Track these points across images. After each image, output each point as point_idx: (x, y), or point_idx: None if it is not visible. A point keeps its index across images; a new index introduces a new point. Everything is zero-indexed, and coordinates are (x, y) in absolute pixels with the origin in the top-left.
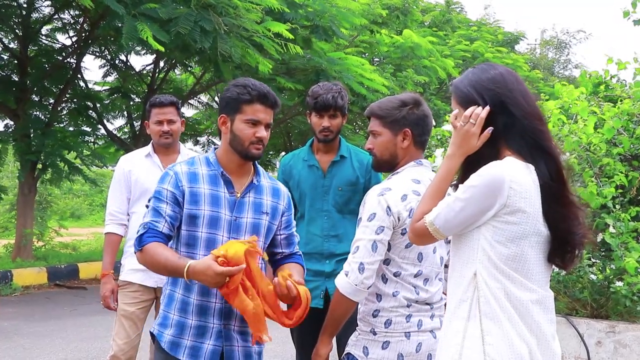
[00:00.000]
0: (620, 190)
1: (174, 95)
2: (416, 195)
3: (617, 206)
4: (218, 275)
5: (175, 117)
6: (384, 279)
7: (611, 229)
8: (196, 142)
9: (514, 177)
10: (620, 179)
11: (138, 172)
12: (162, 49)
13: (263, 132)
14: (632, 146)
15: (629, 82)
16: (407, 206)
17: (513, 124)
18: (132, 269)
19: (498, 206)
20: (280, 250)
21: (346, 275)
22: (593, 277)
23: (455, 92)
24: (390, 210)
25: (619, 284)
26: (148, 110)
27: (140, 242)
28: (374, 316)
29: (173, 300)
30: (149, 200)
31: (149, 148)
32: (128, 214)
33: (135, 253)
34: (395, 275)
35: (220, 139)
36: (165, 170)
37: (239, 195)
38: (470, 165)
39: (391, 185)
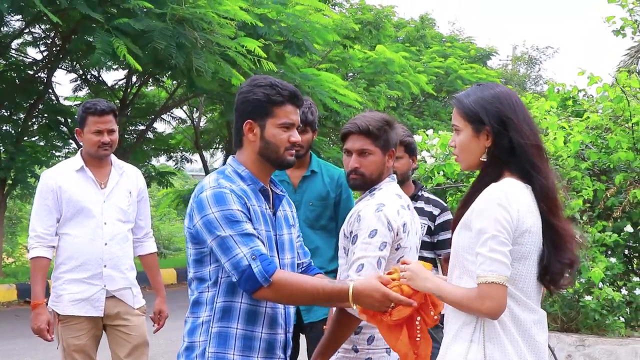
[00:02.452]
0: (588, 205)
1: (146, 109)
2: (404, 210)
3: (585, 219)
4: (387, 299)
5: (115, 126)
6: None
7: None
8: (169, 157)
9: (518, 197)
10: (587, 193)
11: (70, 189)
12: (139, 67)
13: (297, 136)
14: (599, 160)
15: (596, 96)
16: (401, 221)
17: (514, 145)
18: (73, 301)
19: (514, 224)
20: (300, 261)
21: None
22: (563, 291)
23: (460, 107)
24: (391, 225)
25: (588, 297)
26: (82, 116)
27: (266, 273)
28: (357, 333)
29: (229, 338)
30: (214, 232)
31: (79, 161)
32: (57, 235)
33: (256, 292)
34: None
35: (238, 148)
36: (215, 190)
37: (273, 210)
38: (478, 184)
39: (383, 200)
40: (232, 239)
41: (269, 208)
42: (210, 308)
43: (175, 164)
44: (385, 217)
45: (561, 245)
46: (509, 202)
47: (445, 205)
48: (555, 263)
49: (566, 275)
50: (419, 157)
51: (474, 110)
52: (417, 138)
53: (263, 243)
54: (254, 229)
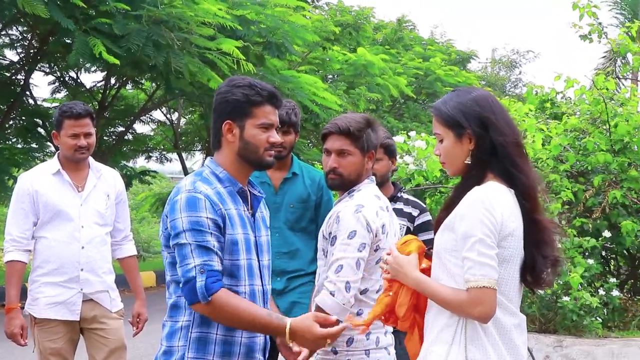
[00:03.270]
0: (567, 207)
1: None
2: (382, 211)
3: (564, 222)
4: (320, 339)
5: (92, 130)
6: None
7: (557, 245)
8: (148, 158)
9: (501, 201)
10: (566, 195)
11: (47, 193)
12: (117, 62)
13: (277, 136)
14: (577, 162)
15: (574, 99)
16: (380, 222)
17: (496, 147)
18: (49, 304)
19: (498, 227)
20: None
21: (332, 295)
22: (541, 292)
23: (439, 114)
24: (370, 227)
25: (566, 298)
26: (59, 120)
27: (206, 291)
28: None
29: (209, 343)
30: (177, 237)
31: (55, 164)
32: (34, 238)
33: (193, 305)
34: (362, 292)
35: (216, 149)
36: (189, 194)
37: (251, 212)
38: (460, 189)
39: (362, 202)
40: (189, 247)
41: (248, 210)
42: (190, 312)
43: (158, 161)
44: (364, 218)
45: (545, 240)
46: (493, 205)
47: (424, 206)
48: (540, 259)
49: (547, 273)
50: (400, 160)
51: (453, 116)
52: (399, 139)
53: (221, 260)
54: (230, 233)
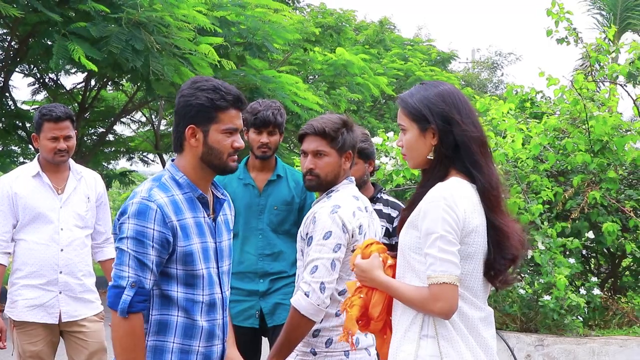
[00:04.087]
0: (547, 206)
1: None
2: (360, 212)
3: (545, 222)
4: None
5: (72, 132)
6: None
7: (540, 245)
8: (130, 159)
9: (464, 197)
10: (547, 195)
11: (26, 195)
12: (95, 68)
13: (241, 141)
14: (557, 162)
15: (553, 98)
16: (357, 222)
17: (458, 144)
18: (28, 307)
19: (461, 224)
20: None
21: (307, 295)
22: (522, 291)
23: (405, 106)
24: (345, 227)
25: (547, 298)
26: (39, 122)
27: (129, 306)
28: (315, 336)
29: (165, 352)
30: (120, 241)
31: (35, 166)
32: (14, 240)
33: (111, 309)
34: (341, 294)
35: (178, 152)
36: (142, 202)
37: (213, 216)
38: (424, 184)
39: (338, 202)
40: (128, 255)
41: (208, 215)
42: (146, 321)
43: (140, 161)
44: (340, 218)
45: (504, 242)
46: (456, 201)
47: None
48: (499, 259)
49: (509, 272)
50: (377, 161)
51: (418, 109)
52: (377, 140)
53: (155, 277)
54: (183, 245)
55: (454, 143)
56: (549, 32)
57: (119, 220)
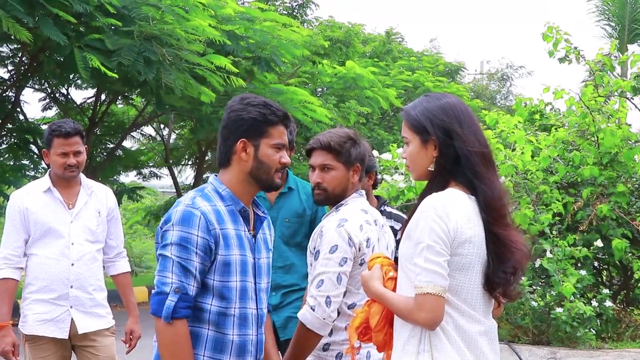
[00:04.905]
0: (557, 218)
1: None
2: (368, 225)
3: (555, 233)
4: None
5: (82, 148)
6: (337, 313)
7: (549, 255)
8: (139, 174)
9: (456, 207)
10: (557, 207)
11: (37, 210)
12: (115, 75)
13: (287, 157)
14: (567, 174)
15: (562, 110)
16: (364, 236)
17: (459, 156)
18: (39, 321)
19: (452, 234)
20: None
21: (312, 309)
22: (534, 303)
23: (407, 118)
24: (352, 241)
25: (559, 310)
26: (49, 138)
27: (172, 312)
28: (325, 350)
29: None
30: (164, 247)
31: (46, 181)
32: (26, 255)
33: (155, 316)
34: (350, 307)
35: (224, 167)
36: (187, 209)
37: (253, 232)
38: (423, 195)
39: (346, 216)
40: (172, 262)
41: (249, 230)
42: None
43: (144, 178)
44: (346, 232)
45: (505, 254)
46: (447, 212)
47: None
48: (498, 272)
49: (512, 283)
50: (389, 178)
51: (419, 121)
52: (387, 156)
53: (198, 284)
54: (223, 254)
55: (455, 155)
56: (550, 53)
57: (161, 228)
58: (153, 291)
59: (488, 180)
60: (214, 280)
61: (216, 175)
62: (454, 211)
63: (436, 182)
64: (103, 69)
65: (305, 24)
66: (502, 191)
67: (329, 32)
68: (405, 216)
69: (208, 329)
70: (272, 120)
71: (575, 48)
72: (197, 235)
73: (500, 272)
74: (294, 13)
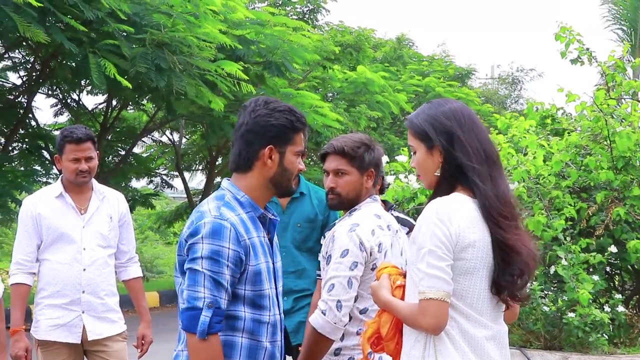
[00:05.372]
0: (570, 223)
1: (127, 133)
2: (381, 230)
3: (568, 238)
4: None
5: (93, 153)
6: (349, 317)
7: (563, 261)
8: (150, 181)
9: (459, 211)
10: (569, 211)
11: (50, 216)
12: (129, 85)
13: (303, 164)
14: (579, 178)
15: (574, 115)
16: (376, 241)
17: (463, 161)
18: (51, 326)
19: (454, 238)
20: None
21: (323, 313)
22: (546, 308)
23: (411, 127)
24: (363, 245)
25: (571, 315)
26: (60, 144)
27: (208, 328)
28: (336, 354)
29: None
30: (193, 261)
31: (59, 187)
32: (38, 261)
33: (187, 332)
34: (362, 312)
35: (243, 171)
36: (216, 221)
37: (269, 237)
38: (430, 200)
39: (358, 221)
40: (203, 275)
41: (266, 235)
42: None
43: (156, 187)
44: (357, 237)
45: (512, 257)
46: (449, 216)
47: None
48: (505, 276)
49: (520, 286)
50: (404, 179)
51: (423, 128)
52: (403, 158)
53: (229, 297)
54: (254, 264)
55: (457, 161)
56: (562, 54)
57: (187, 241)
58: (182, 306)
59: (491, 182)
60: (245, 290)
61: (230, 180)
62: (457, 215)
63: (442, 187)
64: (119, 78)
65: (316, 29)
66: (507, 194)
67: (339, 37)
68: (413, 221)
69: (242, 337)
70: (297, 128)
71: (588, 49)
72: (229, 248)
73: (507, 275)
74: (305, 18)
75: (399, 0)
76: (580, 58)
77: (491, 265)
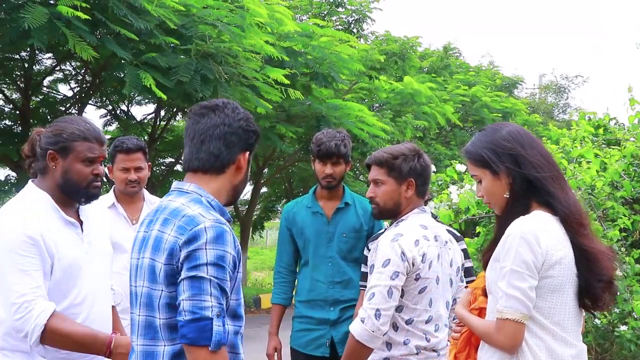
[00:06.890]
0: (623, 234)
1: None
2: (426, 241)
3: (622, 249)
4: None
5: (144, 164)
6: (395, 327)
7: (617, 272)
8: None
9: (545, 230)
10: (623, 222)
11: None
12: (164, 96)
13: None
14: (633, 190)
15: (627, 125)
16: (420, 251)
17: (531, 180)
18: None
19: (541, 257)
20: None
21: (362, 322)
22: (597, 321)
23: (470, 157)
24: (404, 255)
25: (624, 328)
26: (112, 154)
27: (220, 340)
28: None
29: None
30: (197, 268)
31: (111, 197)
32: None
33: (196, 346)
34: (408, 322)
35: (214, 174)
36: (217, 225)
37: None
38: (503, 222)
39: (402, 231)
40: (209, 283)
41: None
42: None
43: None
44: (399, 247)
45: (596, 264)
46: (536, 236)
47: (459, 234)
48: (593, 283)
49: (606, 294)
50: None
51: (484, 156)
52: (462, 167)
53: (227, 306)
54: (238, 271)
55: (527, 180)
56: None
57: (187, 246)
58: (184, 318)
59: (563, 196)
60: (230, 299)
61: (196, 184)
62: (543, 234)
63: (517, 207)
64: (154, 88)
65: (361, 39)
66: (577, 203)
67: (384, 46)
68: (458, 234)
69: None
70: (258, 135)
71: None
72: (230, 253)
73: (595, 282)
74: (351, 28)
75: (444, 9)
76: None
77: (575, 280)
